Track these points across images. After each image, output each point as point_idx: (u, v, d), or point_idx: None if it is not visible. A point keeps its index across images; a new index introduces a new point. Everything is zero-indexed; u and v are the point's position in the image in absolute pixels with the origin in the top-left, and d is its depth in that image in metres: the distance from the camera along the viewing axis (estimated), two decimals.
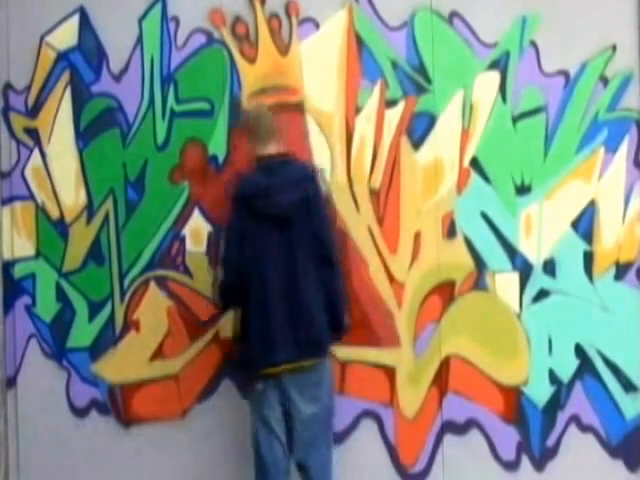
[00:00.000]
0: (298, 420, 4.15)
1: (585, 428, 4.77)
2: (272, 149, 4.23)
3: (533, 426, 4.74)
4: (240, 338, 4.24)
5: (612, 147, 4.80)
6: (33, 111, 4.71)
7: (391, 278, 4.67)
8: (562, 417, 4.75)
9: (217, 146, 4.65)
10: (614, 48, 4.77)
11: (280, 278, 4.12)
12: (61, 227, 4.69)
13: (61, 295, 4.68)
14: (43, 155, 4.70)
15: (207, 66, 4.66)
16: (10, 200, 4.71)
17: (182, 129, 4.66)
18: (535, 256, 4.75)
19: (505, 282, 4.73)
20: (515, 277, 4.74)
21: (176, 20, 4.67)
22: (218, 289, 4.33)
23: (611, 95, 4.79)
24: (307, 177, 4.26)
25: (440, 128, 4.71)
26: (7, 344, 4.70)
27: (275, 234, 4.12)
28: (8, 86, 4.71)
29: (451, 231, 4.71)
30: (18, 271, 4.70)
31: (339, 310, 4.25)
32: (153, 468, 4.68)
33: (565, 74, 4.76)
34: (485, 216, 4.72)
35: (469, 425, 4.71)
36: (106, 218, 4.67)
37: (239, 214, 4.16)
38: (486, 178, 4.73)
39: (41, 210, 4.70)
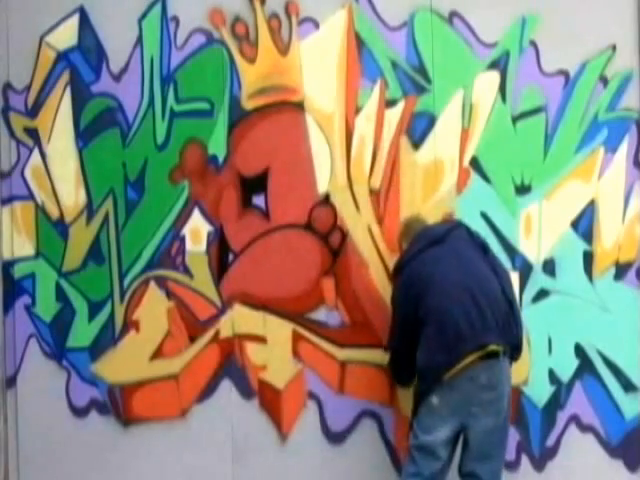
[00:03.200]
0: (476, 433, 4.13)
1: (585, 428, 4.77)
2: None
3: (533, 426, 4.74)
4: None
5: (612, 147, 4.80)
6: (33, 111, 4.70)
7: (391, 278, 4.66)
8: (562, 417, 4.76)
9: (217, 146, 4.65)
10: (614, 48, 4.77)
11: (457, 277, 4.16)
12: (61, 227, 4.69)
13: (61, 295, 4.68)
14: (43, 155, 4.70)
15: (207, 66, 4.66)
16: (10, 200, 4.71)
17: (182, 129, 4.66)
18: (535, 256, 4.76)
19: None
20: (515, 277, 4.73)
21: (176, 20, 4.67)
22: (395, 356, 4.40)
23: (611, 95, 4.79)
24: (458, 221, 4.55)
25: (440, 128, 4.71)
26: (7, 344, 4.70)
27: (436, 250, 4.24)
28: (8, 86, 4.71)
29: None
30: (18, 271, 4.70)
31: (521, 331, 4.30)
32: (153, 468, 4.68)
33: (565, 74, 4.77)
34: (485, 216, 4.72)
35: None
36: (106, 218, 4.67)
37: (401, 278, 4.34)
38: (486, 178, 4.74)
39: (41, 210, 4.70)
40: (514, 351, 4.25)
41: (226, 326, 4.63)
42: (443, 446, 4.14)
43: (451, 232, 4.33)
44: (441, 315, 4.11)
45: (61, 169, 4.69)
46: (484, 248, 4.37)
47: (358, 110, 4.68)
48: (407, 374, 4.35)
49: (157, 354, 4.64)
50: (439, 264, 4.20)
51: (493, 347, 4.08)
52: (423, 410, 4.18)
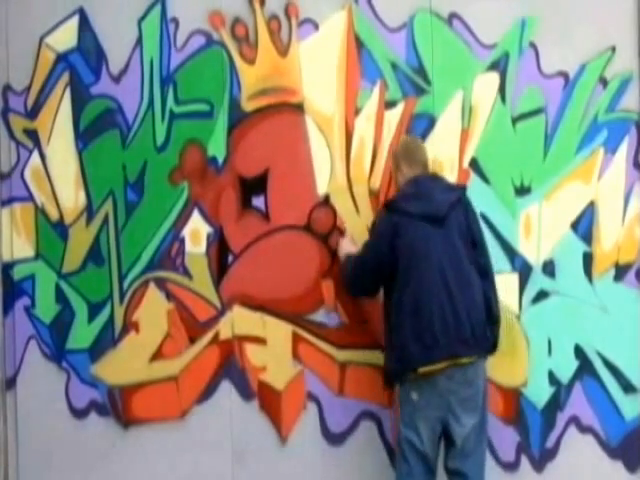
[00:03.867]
0: (457, 429, 4.15)
1: (584, 429, 4.77)
2: (422, 171, 4.39)
3: (532, 427, 4.74)
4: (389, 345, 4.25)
5: (611, 148, 4.80)
6: (32, 112, 4.70)
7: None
8: (561, 418, 4.76)
9: (216, 147, 4.65)
10: (613, 49, 4.77)
11: (441, 274, 4.13)
12: (60, 228, 4.69)
13: (61, 296, 4.68)
14: (42, 156, 4.69)
15: (206, 67, 4.66)
16: (10, 201, 4.71)
17: (181, 130, 4.66)
18: (534, 257, 4.76)
19: (505, 283, 4.71)
20: (515, 278, 4.74)
21: (175, 21, 4.67)
22: (352, 268, 4.37)
23: (610, 96, 4.79)
24: (459, 187, 4.45)
25: (439, 129, 4.72)
26: (7, 345, 4.69)
27: (432, 231, 4.17)
28: (8, 87, 4.70)
29: None
30: (18, 272, 4.70)
31: (498, 325, 4.31)
32: (152, 469, 4.68)
33: (564, 75, 4.77)
34: (484, 217, 4.72)
35: None
36: (105, 219, 4.67)
37: (389, 219, 4.23)
38: (485, 179, 4.74)
39: (40, 211, 4.70)
40: (490, 350, 4.31)
41: (226, 327, 4.63)
42: (429, 444, 4.16)
43: (452, 212, 4.23)
44: (418, 308, 4.12)
45: (61, 170, 4.69)
46: (475, 240, 4.30)
47: (358, 111, 4.68)
48: (360, 289, 4.42)
49: (157, 355, 4.64)
50: (431, 252, 4.16)
51: (465, 360, 4.11)
52: (405, 408, 4.21)
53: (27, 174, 4.71)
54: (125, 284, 4.65)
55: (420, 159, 4.40)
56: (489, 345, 4.26)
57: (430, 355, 4.08)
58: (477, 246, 4.29)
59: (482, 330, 4.18)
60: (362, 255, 4.35)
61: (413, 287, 4.14)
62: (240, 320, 4.63)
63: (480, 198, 4.71)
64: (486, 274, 4.28)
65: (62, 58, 4.68)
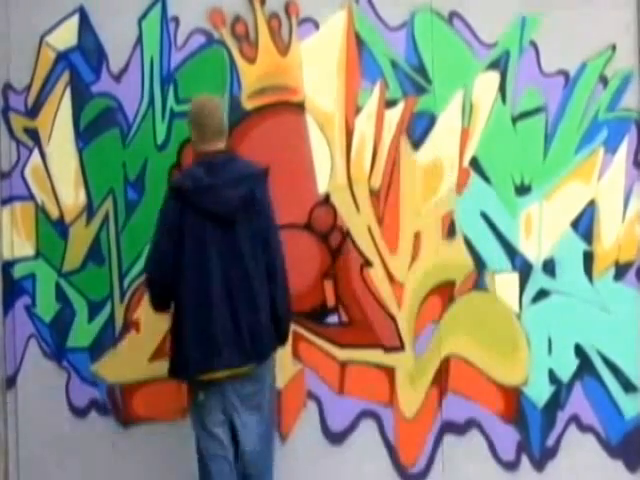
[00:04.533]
0: (240, 428, 4.07)
1: (585, 428, 4.77)
2: (218, 146, 4.09)
3: (533, 426, 4.74)
4: (173, 340, 4.09)
5: (612, 147, 4.80)
6: (33, 111, 4.70)
7: (391, 278, 4.67)
8: (562, 417, 4.76)
9: None
10: (614, 48, 4.77)
11: (223, 278, 3.96)
12: (61, 227, 4.69)
13: (61, 295, 4.68)
14: (43, 155, 4.69)
15: (207, 66, 4.66)
16: (10, 200, 4.71)
17: (182, 129, 4.64)
18: (535, 256, 4.76)
19: (505, 282, 4.73)
20: (515, 277, 4.74)
21: (176, 20, 4.67)
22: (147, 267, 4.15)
23: (611, 95, 4.79)
24: (254, 175, 4.10)
25: (440, 128, 4.72)
26: (7, 344, 4.69)
27: (216, 232, 3.97)
28: (8, 86, 4.70)
29: (451, 231, 4.71)
30: (18, 271, 4.70)
31: (284, 324, 4.17)
32: (152, 468, 4.67)
33: (565, 74, 4.77)
34: (485, 216, 4.72)
35: (469, 425, 4.72)
36: (106, 218, 4.67)
37: (175, 206, 3.97)
38: (486, 178, 4.74)
39: (41, 210, 4.70)
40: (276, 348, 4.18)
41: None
42: (219, 428, 4.06)
43: (241, 211, 3.98)
44: (200, 317, 3.96)
45: (61, 169, 4.69)
46: (265, 237, 4.06)
47: (358, 110, 4.68)
48: (163, 302, 4.12)
49: (157, 354, 4.64)
50: (214, 260, 3.96)
51: (245, 369, 4.00)
52: (193, 408, 4.13)
53: (27, 173, 4.71)
54: (125, 283, 4.66)
55: (214, 128, 4.09)
56: (272, 349, 4.13)
57: (210, 363, 3.96)
58: (266, 244, 4.07)
59: (258, 334, 4.01)
60: (153, 249, 4.07)
61: (194, 293, 3.96)
62: None
63: (480, 197, 4.72)
64: (274, 274, 4.08)
65: (62, 57, 4.68)
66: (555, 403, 4.75)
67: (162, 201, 4.09)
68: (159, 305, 4.15)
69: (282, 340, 4.22)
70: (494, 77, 4.74)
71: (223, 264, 3.98)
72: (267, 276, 4.07)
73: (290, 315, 4.22)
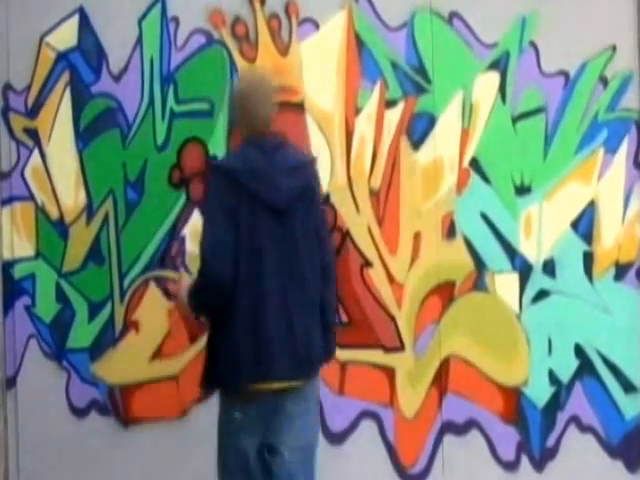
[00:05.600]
0: (280, 457, 3.64)
1: (585, 428, 4.78)
2: (269, 127, 3.78)
3: (533, 426, 4.75)
4: (215, 345, 3.67)
5: (612, 147, 4.80)
6: (33, 111, 4.70)
7: (391, 279, 4.67)
8: (562, 417, 4.76)
9: (217, 146, 4.64)
10: (614, 48, 4.77)
11: (277, 274, 3.59)
12: (61, 227, 4.69)
13: (61, 295, 4.67)
14: (43, 155, 4.69)
15: (207, 66, 4.65)
16: (10, 200, 4.70)
17: (182, 129, 4.65)
18: (535, 256, 4.76)
19: (505, 282, 4.73)
20: (515, 277, 4.74)
21: (176, 20, 4.66)
22: (193, 287, 3.71)
23: (611, 95, 4.80)
24: (307, 165, 3.81)
25: (440, 128, 4.72)
26: (7, 344, 4.69)
27: (271, 223, 3.59)
28: (8, 86, 4.69)
29: (451, 231, 4.71)
30: (18, 271, 4.69)
31: (332, 330, 3.85)
32: (153, 468, 4.68)
33: (565, 74, 4.77)
34: (485, 216, 4.73)
35: (469, 425, 4.72)
36: (106, 218, 4.66)
37: (228, 187, 3.55)
38: (486, 178, 4.74)
39: (41, 210, 4.69)
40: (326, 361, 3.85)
41: None
42: (254, 461, 3.66)
43: (297, 203, 3.63)
44: (254, 320, 3.57)
45: (61, 170, 4.69)
46: (318, 232, 3.74)
47: (358, 111, 4.68)
48: (218, 305, 3.60)
49: (157, 355, 4.64)
50: (270, 253, 3.57)
51: (298, 383, 3.62)
52: (224, 427, 3.75)
53: (27, 173, 4.70)
54: (125, 283, 4.65)
55: (266, 111, 3.74)
56: (324, 360, 3.80)
57: (265, 372, 3.54)
58: (319, 238, 3.74)
59: (318, 349, 3.69)
60: (208, 241, 3.60)
61: (247, 291, 3.56)
62: None
63: (480, 198, 4.72)
64: (326, 272, 3.75)
65: (62, 57, 4.67)
66: (555, 403, 4.76)
67: (211, 190, 3.66)
68: (212, 309, 3.63)
69: (331, 351, 3.86)
70: (494, 77, 4.74)
71: (278, 258, 3.59)
72: (320, 272, 3.71)
73: (336, 322, 3.92)
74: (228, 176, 3.59)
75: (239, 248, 3.53)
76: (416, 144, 4.71)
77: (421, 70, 4.71)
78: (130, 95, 4.66)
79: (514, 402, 4.72)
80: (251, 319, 3.56)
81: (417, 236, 4.70)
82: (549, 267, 4.76)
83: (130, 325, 4.66)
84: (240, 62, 4.65)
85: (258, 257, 3.57)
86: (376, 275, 4.68)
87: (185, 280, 3.99)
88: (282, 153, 3.73)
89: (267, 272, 3.58)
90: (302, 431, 3.69)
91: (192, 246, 4.65)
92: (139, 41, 4.66)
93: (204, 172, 4.58)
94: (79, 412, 4.67)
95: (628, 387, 4.79)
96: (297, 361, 3.59)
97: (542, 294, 4.76)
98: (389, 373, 4.66)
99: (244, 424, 3.62)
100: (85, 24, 4.67)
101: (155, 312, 4.65)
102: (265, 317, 3.57)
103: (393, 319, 4.68)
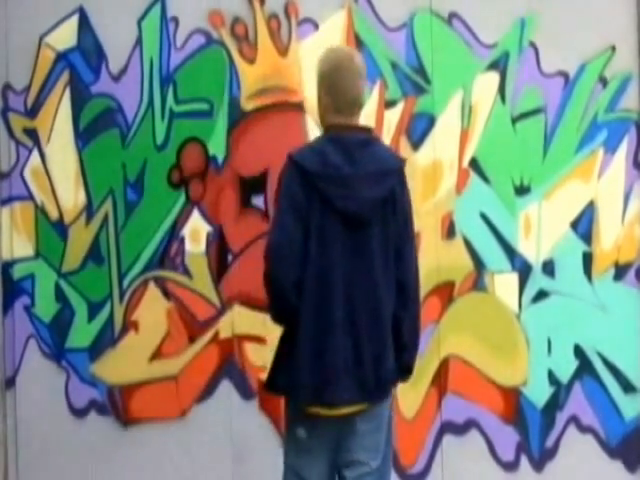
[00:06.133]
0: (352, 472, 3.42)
1: (584, 429, 4.77)
2: (354, 120, 3.40)
3: (532, 427, 4.75)
4: (285, 353, 3.45)
5: (611, 148, 4.80)
6: (32, 111, 4.70)
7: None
8: (561, 418, 4.76)
9: (216, 146, 4.65)
10: (613, 49, 4.77)
11: (347, 290, 3.28)
12: (60, 227, 4.69)
13: (60, 295, 4.68)
14: (42, 155, 4.69)
15: (206, 67, 4.65)
16: (9, 200, 4.71)
17: (181, 129, 4.65)
18: (534, 257, 4.76)
19: (504, 283, 4.73)
20: (514, 278, 4.74)
21: (175, 21, 4.67)
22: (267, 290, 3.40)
23: (610, 96, 4.80)
24: (395, 169, 3.39)
25: (439, 129, 4.72)
26: (6, 345, 4.69)
27: (344, 233, 3.28)
28: (7, 86, 4.70)
29: (450, 232, 4.71)
30: (17, 271, 4.70)
31: (412, 355, 3.52)
32: (152, 468, 4.67)
33: (564, 75, 4.77)
34: (484, 217, 4.72)
35: (468, 425, 4.72)
36: (105, 219, 4.66)
37: (301, 182, 3.23)
38: (485, 179, 4.74)
39: (40, 210, 4.69)
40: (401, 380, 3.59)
41: (225, 327, 4.63)
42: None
43: (377, 212, 3.31)
44: (317, 330, 3.29)
45: (60, 170, 4.69)
46: (398, 246, 3.41)
47: None
48: (288, 307, 3.35)
49: (156, 355, 4.64)
50: (339, 266, 3.28)
51: (362, 407, 3.37)
52: (289, 441, 3.52)
53: (27, 173, 4.70)
54: (125, 283, 4.66)
55: (352, 96, 3.37)
56: (394, 384, 3.55)
57: (324, 396, 3.29)
58: (399, 254, 3.41)
59: (389, 375, 3.42)
60: (277, 230, 3.30)
61: (314, 305, 3.28)
62: (240, 319, 4.63)
63: (480, 198, 4.72)
64: (404, 290, 3.42)
65: (62, 57, 4.67)
66: (554, 404, 4.75)
67: (283, 173, 3.39)
68: (284, 310, 3.35)
69: (405, 373, 3.54)
70: (494, 78, 4.74)
71: (349, 273, 3.27)
72: (397, 291, 3.39)
73: (418, 343, 3.55)
74: (301, 173, 3.28)
75: (308, 253, 3.23)
76: (415, 144, 4.71)
77: (421, 70, 4.71)
78: (130, 95, 4.66)
79: (513, 402, 4.72)
80: (317, 341, 3.28)
81: (417, 236, 4.67)
82: (548, 267, 4.76)
83: (129, 325, 4.66)
84: (239, 62, 4.66)
85: (327, 269, 3.27)
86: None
87: None
88: (369, 153, 3.34)
89: (336, 286, 3.27)
90: (374, 451, 3.45)
91: (191, 246, 4.65)
92: (139, 41, 4.66)
93: (204, 172, 4.60)
94: (78, 412, 4.67)
95: (628, 387, 4.79)
96: (365, 389, 3.33)
97: (541, 294, 4.76)
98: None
99: (309, 446, 3.38)
100: (85, 24, 4.67)
101: (154, 312, 4.65)
102: (332, 341, 3.28)
103: None
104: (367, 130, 3.48)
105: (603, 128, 4.79)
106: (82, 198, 4.68)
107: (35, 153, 4.69)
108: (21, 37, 4.68)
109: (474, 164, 4.72)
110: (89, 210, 4.67)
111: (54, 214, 4.69)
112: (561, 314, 4.75)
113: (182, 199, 4.65)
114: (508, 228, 4.74)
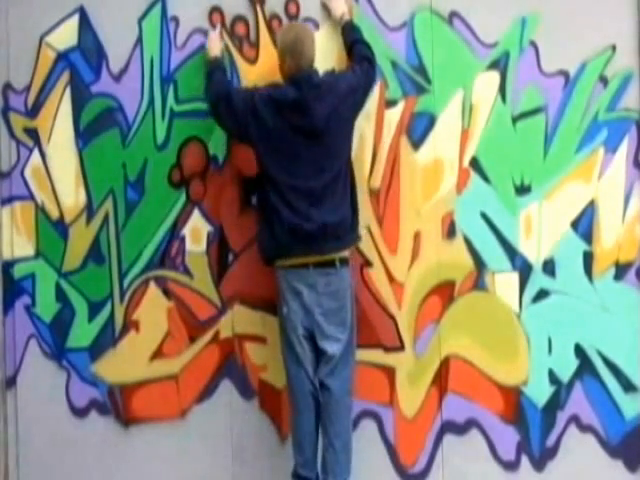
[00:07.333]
0: (321, 340, 4.28)
1: (585, 428, 4.77)
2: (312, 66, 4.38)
3: (533, 426, 4.74)
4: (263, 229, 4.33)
5: (612, 147, 4.79)
6: (33, 111, 4.71)
7: (391, 278, 4.67)
8: (562, 417, 4.75)
9: (217, 146, 4.65)
10: (614, 48, 4.76)
11: (312, 178, 4.25)
12: (61, 227, 4.69)
13: (61, 295, 4.69)
14: (43, 155, 4.70)
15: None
16: (10, 200, 4.72)
17: (182, 129, 4.66)
18: (535, 256, 4.75)
19: (505, 282, 4.72)
20: (515, 277, 4.74)
21: (176, 20, 4.67)
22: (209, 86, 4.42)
23: (611, 95, 4.79)
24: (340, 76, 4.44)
25: (440, 128, 4.71)
26: (7, 344, 4.70)
27: (302, 147, 4.24)
28: (8, 86, 4.71)
29: (451, 231, 4.71)
30: (18, 271, 4.71)
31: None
32: (152, 468, 4.68)
33: (565, 74, 4.76)
34: (485, 216, 4.72)
35: (469, 425, 4.71)
36: (106, 218, 4.67)
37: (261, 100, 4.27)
38: (486, 178, 4.73)
39: (41, 210, 4.70)
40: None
41: (226, 326, 4.63)
42: (304, 354, 4.29)
43: (330, 123, 4.31)
44: (278, 218, 4.24)
45: (61, 169, 4.70)
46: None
47: None
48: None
49: (157, 354, 4.64)
50: (298, 169, 4.28)
51: (327, 257, 4.28)
52: (280, 320, 4.36)
53: (27, 173, 4.71)
54: (125, 283, 4.66)
55: (308, 57, 4.39)
56: (352, 241, 4.43)
57: (287, 251, 4.26)
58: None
59: (345, 228, 4.34)
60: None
61: (273, 197, 4.25)
62: (240, 319, 4.64)
63: (480, 197, 4.71)
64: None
65: (62, 57, 4.68)
66: (555, 403, 4.74)
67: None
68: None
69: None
70: (494, 77, 4.73)
71: (311, 167, 4.25)
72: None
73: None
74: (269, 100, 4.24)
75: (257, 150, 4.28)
76: (416, 144, 4.70)
77: (421, 70, 4.71)
78: (130, 95, 4.66)
79: (514, 402, 4.71)
80: (286, 218, 4.22)
81: (417, 236, 4.70)
82: (549, 267, 4.75)
83: (130, 325, 4.66)
84: (240, 62, 4.66)
85: (290, 164, 4.23)
86: (376, 275, 4.68)
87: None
88: (316, 80, 4.33)
89: (300, 175, 4.24)
90: (342, 325, 4.32)
91: (192, 245, 4.66)
92: (139, 41, 4.67)
93: (204, 171, 4.61)
94: (79, 412, 4.68)
95: (628, 387, 4.78)
96: (326, 236, 4.24)
97: (542, 294, 4.76)
98: (389, 373, 4.65)
99: (290, 316, 4.27)
100: (85, 24, 4.68)
101: (155, 312, 4.66)
102: (299, 216, 4.22)
103: (393, 319, 4.68)
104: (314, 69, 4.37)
105: (603, 127, 4.79)
106: (82, 198, 4.69)
107: (36, 153, 4.70)
108: (22, 37, 4.69)
109: (475, 163, 4.72)
110: (89, 210, 4.68)
111: (54, 214, 4.70)
112: (561, 313, 4.75)
113: (182, 199, 4.65)
114: (508, 227, 4.74)
